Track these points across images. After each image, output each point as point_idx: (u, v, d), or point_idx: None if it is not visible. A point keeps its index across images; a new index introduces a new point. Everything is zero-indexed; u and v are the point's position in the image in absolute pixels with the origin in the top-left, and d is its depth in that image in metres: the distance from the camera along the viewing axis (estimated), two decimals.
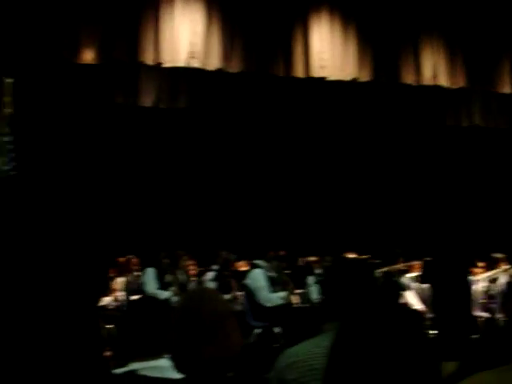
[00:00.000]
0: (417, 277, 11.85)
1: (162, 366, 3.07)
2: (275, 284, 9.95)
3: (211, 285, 11.05)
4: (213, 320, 2.69)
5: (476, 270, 12.28)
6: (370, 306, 1.82)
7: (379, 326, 1.71)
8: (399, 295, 11.24)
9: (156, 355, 3.27)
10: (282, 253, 11.79)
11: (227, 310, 2.80)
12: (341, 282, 3.10)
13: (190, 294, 2.99)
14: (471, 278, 12.25)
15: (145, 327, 3.37)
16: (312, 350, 2.94)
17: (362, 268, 3.14)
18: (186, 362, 2.66)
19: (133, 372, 2.76)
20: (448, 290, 11.18)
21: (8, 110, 8.34)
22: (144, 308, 3.50)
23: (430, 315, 11.63)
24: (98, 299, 2.69)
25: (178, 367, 2.73)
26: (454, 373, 2.57)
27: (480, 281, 12.06)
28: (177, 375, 2.76)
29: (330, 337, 1.83)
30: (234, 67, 10.84)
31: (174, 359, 2.75)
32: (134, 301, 6.66)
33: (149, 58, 10.41)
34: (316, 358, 2.88)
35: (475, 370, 2.38)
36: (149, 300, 4.69)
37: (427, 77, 11.76)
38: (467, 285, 11.43)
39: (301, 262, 12.92)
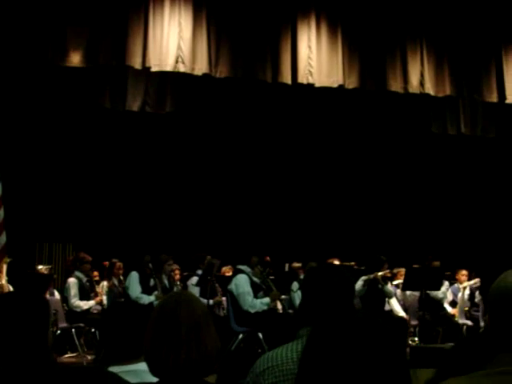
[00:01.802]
0: (399, 284, 11.90)
1: (141, 369, 3.07)
2: (259, 290, 9.95)
3: (195, 289, 11.04)
4: (189, 324, 2.69)
5: (460, 277, 12.34)
6: (341, 312, 1.83)
7: (349, 332, 1.72)
8: (384, 302, 11.26)
9: (135, 359, 3.28)
10: (266, 258, 11.80)
11: (204, 314, 2.79)
12: (316, 288, 3.11)
13: (167, 297, 2.98)
14: (456, 285, 12.30)
15: (124, 331, 3.38)
16: (287, 354, 2.95)
17: (337, 274, 3.15)
18: (161, 365, 2.66)
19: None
20: None
21: None
22: (124, 312, 3.50)
23: (413, 322, 11.68)
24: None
25: (153, 371, 2.73)
26: (431, 379, 2.58)
27: (465, 288, 12.11)
28: (155, 379, 2.77)
29: (304, 342, 1.84)
30: (221, 73, 10.84)
31: (148, 363, 2.74)
32: (114, 304, 6.67)
33: (136, 63, 10.40)
34: (290, 363, 2.89)
35: (450, 376, 2.39)
36: (128, 304, 4.69)
37: (414, 85, 11.79)
38: None
39: (286, 267, 12.96)
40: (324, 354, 1.69)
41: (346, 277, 3.15)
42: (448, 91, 12.04)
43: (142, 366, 2.94)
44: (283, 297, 10.83)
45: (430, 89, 11.85)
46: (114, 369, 3.27)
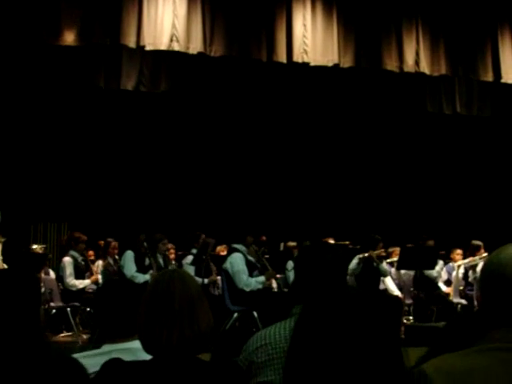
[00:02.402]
0: (394, 262, 11.93)
1: (136, 347, 3.08)
2: (254, 268, 9.96)
3: (190, 268, 11.05)
4: (182, 301, 2.69)
5: (455, 256, 12.36)
6: (333, 290, 1.83)
7: (339, 309, 1.72)
8: (379, 281, 11.30)
9: (130, 337, 3.28)
10: (262, 238, 11.81)
11: (198, 291, 2.78)
12: (308, 266, 3.12)
13: (160, 275, 2.98)
14: (451, 264, 12.33)
15: (119, 309, 3.38)
16: (280, 332, 2.97)
17: (329, 253, 3.16)
18: (154, 343, 2.67)
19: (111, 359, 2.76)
20: None
21: None
22: (118, 290, 3.51)
23: (407, 301, 11.72)
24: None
25: (146, 348, 2.73)
26: (423, 357, 2.59)
27: (460, 267, 12.14)
28: (149, 357, 2.77)
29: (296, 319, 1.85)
30: (216, 51, 10.79)
31: (142, 340, 2.75)
32: (108, 282, 6.68)
33: (130, 41, 10.34)
34: (283, 341, 2.91)
35: (443, 353, 2.40)
36: (123, 282, 4.70)
37: (409, 64, 11.75)
38: None
39: (281, 246, 12.98)
40: (314, 331, 1.69)
41: (339, 255, 3.16)
42: (443, 70, 12.01)
43: (137, 344, 2.94)
44: (278, 276, 10.85)
45: (425, 68, 11.81)
46: (108, 347, 3.29)
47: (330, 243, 11.27)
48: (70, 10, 10.03)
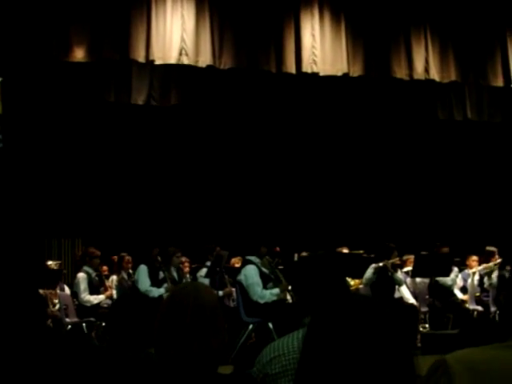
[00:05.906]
0: (409, 271, 11.88)
1: None
2: (268, 280, 9.93)
3: (204, 281, 11.04)
4: (195, 316, 2.68)
5: (471, 263, 12.31)
6: (337, 300, 1.82)
7: (347, 318, 1.71)
8: (394, 290, 11.25)
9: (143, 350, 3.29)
10: (276, 249, 11.79)
11: (212, 305, 2.77)
12: (303, 279, 3.18)
13: (175, 289, 2.98)
14: (466, 271, 12.28)
15: (132, 323, 3.38)
16: (293, 343, 2.97)
17: (325, 263, 3.20)
18: (169, 356, 2.66)
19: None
20: None
21: None
22: (132, 305, 3.51)
23: (423, 309, 11.67)
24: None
25: (162, 362, 2.73)
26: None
27: (475, 274, 12.09)
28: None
29: None
30: (225, 64, 10.83)
31: (158, 354, 2.74)
32: (122, 296, 6.68)
33: (140, 56, 10.40)
34: (297, 351, 2.90)
35: None
36: (137, 296, 4.70)
37: (419, 71, 11.76)
38: None
39: (295, 257, 12.95)
40: (323, 341, 1.69)
41: (330, 263, 3.20)
42: (453, 77, 12.01)
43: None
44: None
45: (435, 75, 11.82)
46: None
47: (320, 254, 11.23)
48: (79, 26, 10.10)
